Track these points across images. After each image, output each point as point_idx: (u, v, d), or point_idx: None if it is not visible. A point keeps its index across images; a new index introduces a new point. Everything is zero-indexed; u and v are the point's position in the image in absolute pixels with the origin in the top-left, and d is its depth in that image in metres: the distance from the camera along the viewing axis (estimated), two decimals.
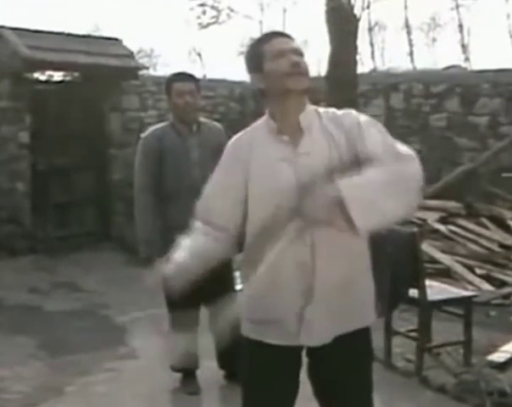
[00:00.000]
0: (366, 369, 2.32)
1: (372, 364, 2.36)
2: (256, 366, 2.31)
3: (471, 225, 7.19)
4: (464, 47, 28.61)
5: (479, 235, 7.03)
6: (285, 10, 29.95)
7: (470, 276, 6.31)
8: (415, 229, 4.65)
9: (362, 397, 2.31)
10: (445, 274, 6.30)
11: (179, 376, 4.20)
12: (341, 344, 2.19)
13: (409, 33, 29.35)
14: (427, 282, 4.23)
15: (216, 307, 4.13)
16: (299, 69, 2.16)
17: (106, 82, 8.95)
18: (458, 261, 6.56)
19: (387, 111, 9.31)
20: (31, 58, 7.90)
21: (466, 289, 5.61)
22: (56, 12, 43.09)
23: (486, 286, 6.16)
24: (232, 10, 26.87)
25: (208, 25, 26.88)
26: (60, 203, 8.70)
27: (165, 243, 3.97)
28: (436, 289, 4.41)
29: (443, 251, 6.72)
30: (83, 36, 9.73)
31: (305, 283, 2.15)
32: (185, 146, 3.98)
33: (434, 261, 6.47)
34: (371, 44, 29.90)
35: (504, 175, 7.71)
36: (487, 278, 6.30)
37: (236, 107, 10.75)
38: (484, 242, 6.90)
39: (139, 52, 25.69)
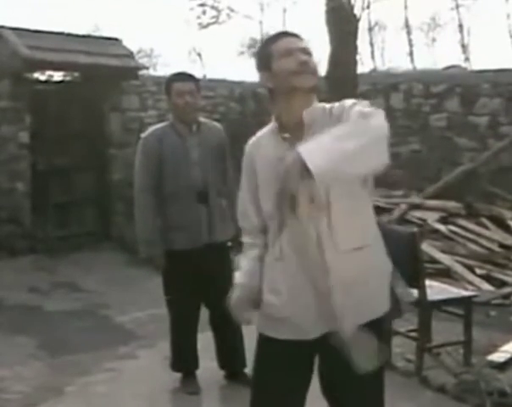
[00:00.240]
0: (377, 369, 2.30)
1: (383, 363, 2.35)
2: (268, 362, 2.33)
3: (471, 225, 7.19)
4: (464, 47, 28.63)
5: (479, 235, 7.03)
6: (285, 10, 29.97)
7: (470, 276, 6.31)
8: (415, 229, 4.64)
9: (372, 396, 2.31)
10: (445, 274, 6.30)
11: (179, 376, 4.20)
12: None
13: (408, 33, 29.38)
14: (427, 282, 4.23)
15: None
16: (306, 68, 2.19)
17: (106, 82, 8.96)
18: (458, 261, 6.56)
19: (387, 111, 9.28)
20: (31, 58, 7.90)
21: (466, 289, 5.61)
22: (56, 12, 43.11)
23: (486, 286, 6.16)
24: (232, 10, 26.89)
25: (208, 25, 26.90)
26: (60, 203, 8.71)
27: (165, 243, 4.00)
28: (436, 289, 4.41)
29: (443, 251, 6.73)
30: (83, 36, 9.74)
31: (316, 280, 2.17)
32: (184, 146, 3.99)
33: (434, 261, 6.48)
34: (371, 44, 29.92)
35: None
36: (487, 278, 6.30)
37: (236, 107, 10.75)
38: (484, 242, 6.90)
39: (139, 52, 25.70)
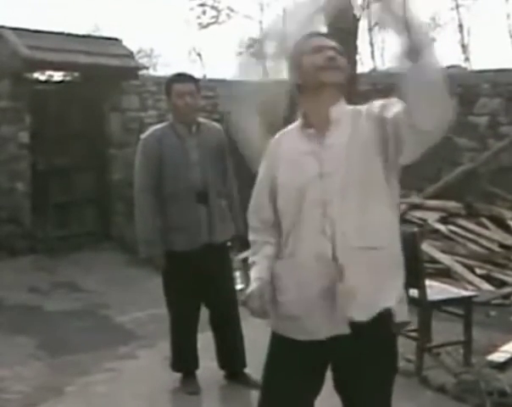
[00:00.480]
0: (390, 371, 2.34)
1: (396, 367, 2.37)
2: (279, 362, 2.34)
3: (471, 225, 7.19)
4: (463, 47, 28.58)
5: (479, 235, 7.03)
6: (285, 10, 29.92)
7: (470, 276, 6.31)
8: (415, 229, 4.64)
9: (380, 394, 2.32)
10: (445, 274, 6.30)
11: (179, 376, 4.20)
12: (366, 343, 2.19)
13: None
14: (427, 282, 4.23)
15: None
16: (334, 64, 2.23)
17: (106, 82, 8.95)
18: (458, 261, 6.56)
19: None
20: (31, 58, 7.90)
21: (466, 289, 5.61)
22: (56, 12, 43.03)
23: (486, 286, 6.16)
24: (232, 10, 26.83)
25: (208, 25, 26.85)
26: (60, 203, 8.71)
27: (165, 244, 4.00)
28: (436, 289, 4.41)
29: (443, 251, 6.72)
30: (83, 36, 9.74)
31: (328, 279, 2.17)
32: (184, 147, 3.98)
33: (434, 261, 6.47)
34: (371, 44, 29.87)
35: None
36: (487, 278, 6.30)
37: None
38: (484, 242, 6.90)
39: (139, 52, 25.63)
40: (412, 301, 4.23)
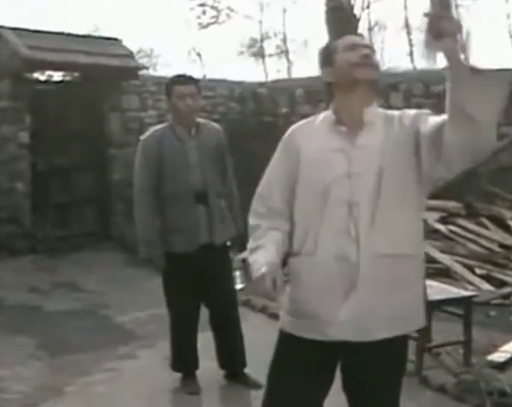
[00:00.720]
0: (398, 373, 2.33)
1: (405, 368, 2.37)
2: (286, 361, 2.31)
3: (471, 225, 7.19)
4: (463, 47, 28.58)
5: (479, 235, 7.03)
6: (285, 10, 29.92)
7: (470, 276, 6.31)
8: None
9: (389, 399, 2.32)
10: (445, 274, 6.30)
11: (179, 376, 4.21)
12: (377, 346, 2.17)
13: (408, 33, 29.34)
14: (427, 282, 4.23)
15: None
16: (368, 61, 2.21)
17: (106, 82, 8.96)
18: (458, 261, 6.56)
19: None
20: (31, 58, 7.90)
21: (466, 289, 5.61)
22: (56, 12, 43.07)
23: (486, 286, 6.16)
24: (232, 10, 26.90)
25: (208, 24, 26.90)
26: (60, 203, 8.71)
27: (165, 245, 4.00)
28: (436, 289, 4.41)
29: (443, 251, 6.72)
30: (83, 36, 9.75)
31: (348, 281, 2.15)
32: (183, 149, 3.98)
33: (434, 261, 6.47)
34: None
35: None
36: (487, 278, 6.30)
37: (236, 107, 10.74)
38: (484, 242, 6.90)
39: (139, 52, 25.67)
40: None
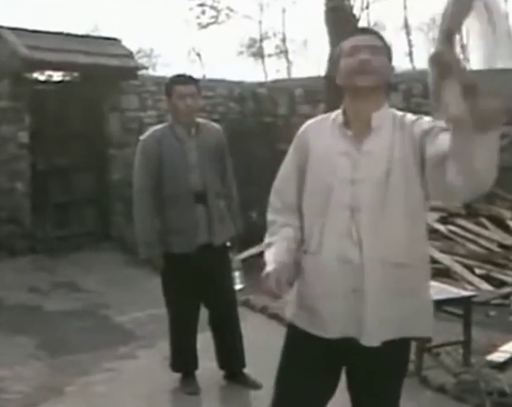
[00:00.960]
0: (399, 375, 2.33)
1: (406, 370, 2.37)
2: (294, 359, 2.32)
3: (471, 225, 7.19)
4: (463, 47, 28.59)
5: (478, 235, 7.03)
6: (284, 10, 29.94)
7: (470, 276, 6.31)
8: None
9: (390, 400, 2.33)
10: (444, 274, 6.31)
11: (178, 376, 4.21)
12: (379, 347, 2.17)
13: (408, 33, 29.35)
14: None
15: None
16: (365, 67, 2.17)
17: (105, 82, 8.96)
18: (457, 261, 6.56)
19: None
20: (30, 58, 7.90)
21: (466, 289, 5.61)
22: (56, 12, 43.09)
23: (486, 286, 6.16)
24: (231, 10, 26.91)
25: (208, 24, 26.90)
26: (60, 202, 8.71)
27: (164, 244, 4.00)
28: (435, 289, 4.38)
29: (443, 251, 6.73)
30: (82, 36, 9.74)
31: (351, 283, 2.14)
32: (183, 149, 3.98)
33: (433, 261, 6.47)
34: None
35: None
36: (487, 278, 6.30)
37: (236, 107, 10.75)
38: (483, 242, 6.90)
39: (138, 52, 25.68)
40: None
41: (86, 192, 9.01)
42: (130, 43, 10.27)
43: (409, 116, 2.23)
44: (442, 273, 6.27)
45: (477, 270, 6.42)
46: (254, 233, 6.91)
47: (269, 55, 30.86)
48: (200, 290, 4.08)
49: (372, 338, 2.16)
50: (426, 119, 2.16)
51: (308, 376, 2.27)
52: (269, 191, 2.45)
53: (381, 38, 2.26)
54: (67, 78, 9.80)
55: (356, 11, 8.74)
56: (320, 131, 2.30)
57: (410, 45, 29.28)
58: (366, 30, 2.35)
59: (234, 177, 4.29)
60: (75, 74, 9.42)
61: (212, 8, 26.51)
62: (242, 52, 31.47)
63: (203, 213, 3.98)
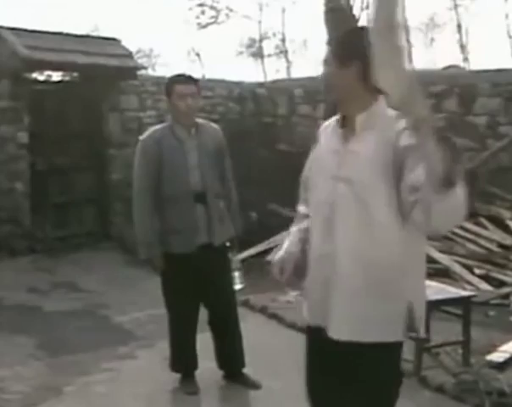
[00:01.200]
0: (382, 382, 2.32)
1: (393, 381, 2.38)
2: (311, 358, 2.42)
3: (470, 225, 7.19)
4: (462, 47, 28.60)
5: (478, 235, 7.03)
6: (284, 10, 29.91)
7: (469, 276, 6.32)
8: None
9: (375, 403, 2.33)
10: (444, 274, 6.31)
11: (178, 376, 4.21)
12: (361, 346, 2.20)
13: (407, 33, 29.32)
14: (426, 282, 4.23)
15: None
16: (327, 84, 2.25)
17: (105, 82, 8.96)
18: (456, 261, 6.56)
19: None
20: (30, 58, 7.90)
21: (465, 289, 5.61)
22: (55, 12, 43.12)
23: (485, 286, 6.17)
24: (231, 10, 26.91)
25: (207, 25, 26.91)
26: (59, 203, 8.71)
27: (163, 245, 4.00)
28: (434, 289, 4.41)
29: (442, 251, 6.73)
30: (82, 36, 9.74)
31: (324, 276, 2.23)
32: (183, 150, 3.97)
33: (433, 261, 6.47)
34: None
35: None
36: (486, 278, 6.31)
37: (235, 107, 10.75)
38: (483, 242, 6.90)
39: (138, 52, 25.66)
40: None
41: (85, 192, 9.01)
42: (129, 43, 10.27)
43: (400, 124, 2.08)
44: (441, 273, 6.27)
45: (477, 270, 6.43)
46: (254, 233, 6.89)
47: (269, 55, 30.86)
48: (200, 290, 4.09)
49: (339, 331, 2.20)
50: (409, 138, 2.05)
51: (321, 375, 2.36)
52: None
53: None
54: (66, 78, 9.81)
55: (356, 11, 8.73)
56: (327, 129, 2.40)
57: (410, 45, 29.24)
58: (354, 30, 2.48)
59: (233, 177, 4.29)
60: (75, 74, 9.42)
61: (211, 8, 26.53)
62: (241, 53, 31.47)
63: (203, 213, 3.98)
